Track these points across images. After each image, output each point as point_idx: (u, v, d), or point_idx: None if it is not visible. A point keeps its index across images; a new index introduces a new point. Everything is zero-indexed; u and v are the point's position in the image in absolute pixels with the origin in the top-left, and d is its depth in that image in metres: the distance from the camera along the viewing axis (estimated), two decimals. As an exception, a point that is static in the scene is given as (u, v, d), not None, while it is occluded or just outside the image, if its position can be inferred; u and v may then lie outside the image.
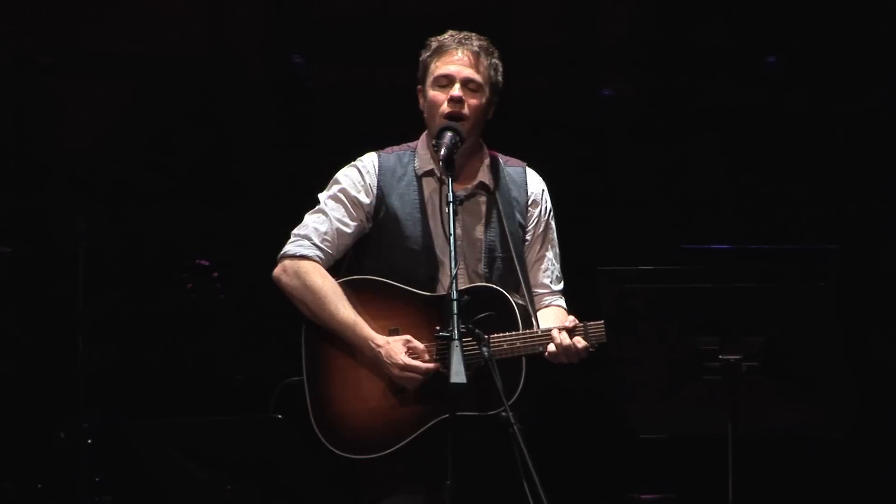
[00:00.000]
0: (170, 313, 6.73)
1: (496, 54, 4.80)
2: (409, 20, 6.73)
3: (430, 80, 4.75)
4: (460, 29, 4.81)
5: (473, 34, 4.79)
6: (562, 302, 4.90)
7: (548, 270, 4.88)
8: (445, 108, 4.70)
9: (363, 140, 5.08)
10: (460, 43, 4.75)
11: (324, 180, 4.88)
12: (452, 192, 4.47)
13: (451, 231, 4.39)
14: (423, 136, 4.86)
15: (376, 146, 4.92)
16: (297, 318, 4.75)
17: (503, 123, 4.93)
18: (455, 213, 4.45)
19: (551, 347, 4.62)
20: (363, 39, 6.90)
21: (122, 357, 6.70)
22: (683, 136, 7.04)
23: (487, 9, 6.91)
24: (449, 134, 4.63)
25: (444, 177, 4.58)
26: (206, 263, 6.23)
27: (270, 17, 7.02)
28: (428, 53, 4.79)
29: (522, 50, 6.83)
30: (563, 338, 4.60)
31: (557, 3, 7.09)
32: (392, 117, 5.52)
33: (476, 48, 4.74)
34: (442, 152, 4.58)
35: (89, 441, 6.00)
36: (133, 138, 6.91)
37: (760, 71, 6.91)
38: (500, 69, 4.81)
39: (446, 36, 4.79)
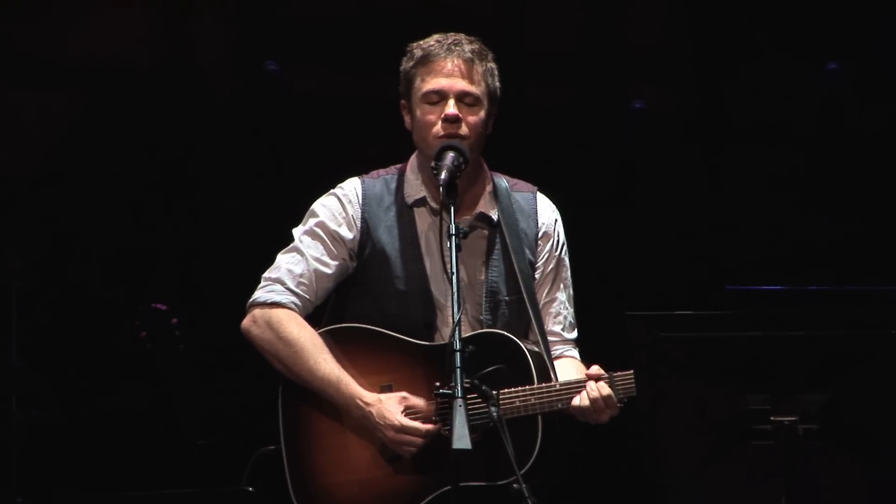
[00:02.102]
0: (120, 366, 6.73)
1: (490, 56, 4.78)
2: (403, 21, 6.74)
3: (416, 95, 4.73)
4: (458, 31, 4.78)
5: (462, 36, 4.76)
6: (575, 353, 4.89)
7: (560, 315, 4.88)
8: (439, 129, 4.68)
9: (345, 161, 5.09)
10: (449, 50, 4.71)
11: (299, 212, 4.87)
12: (455, 223, 4.41)
13: (454, 270, 4.33)
14: (413, 159, 4.84)
15: (360, 168, 4.91)
16: (274, 374, 4.75)
17: (512, 141, 4.92)
18: (458, 249, 4.38)
19: (576, 401, 4.60)
20: (347, 42, 6.92)
21: (63, 419, 6.70)
22: (727, 157, 7.05)
23: (495, 8, 6.93)
24: (451, 154, 4.58)
25: (440, 205, 4.49)
26: (164, 308, 6.23)
27: (240, 17, 7.04)
28: (411, 63, 4.75)
29: (536, 56, 6.84)
30: (592, 389, 4.57)
31: (578, 2, 7.11)
32: (380, 134, 5.51)
33: (468, 54, 4.71)
34: (443, 175, 4.51)
35: (25, 519, 6.01)
36: (79, 159, 6.91)
37: (819, 80, 6.92)
38: (496, 72, 4.78)
39: (432, 42, 4.75)
